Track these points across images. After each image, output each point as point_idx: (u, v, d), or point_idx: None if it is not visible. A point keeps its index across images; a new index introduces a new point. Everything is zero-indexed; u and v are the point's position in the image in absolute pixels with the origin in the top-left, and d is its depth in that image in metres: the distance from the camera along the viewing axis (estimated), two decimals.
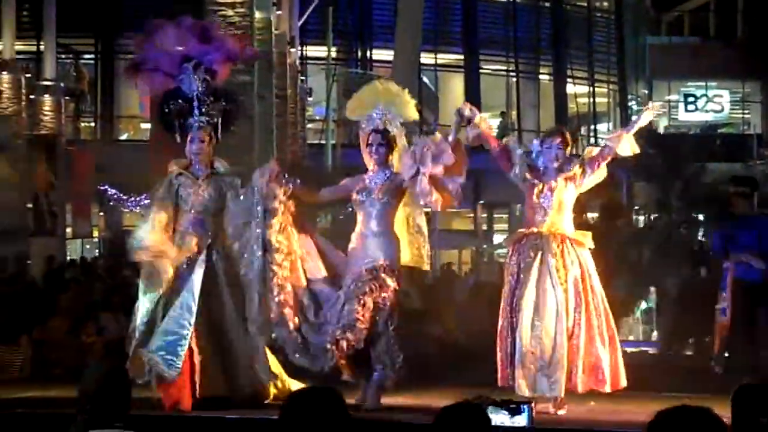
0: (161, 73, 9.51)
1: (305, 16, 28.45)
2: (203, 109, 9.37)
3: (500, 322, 9.01)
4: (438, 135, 9.29)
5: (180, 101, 9.37)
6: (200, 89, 9.38)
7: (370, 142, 9.19)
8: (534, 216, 9.20)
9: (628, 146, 9.20)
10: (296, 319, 8.94)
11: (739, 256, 10.99)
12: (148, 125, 26.26)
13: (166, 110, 9.45)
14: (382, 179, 9.14)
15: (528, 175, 9.23)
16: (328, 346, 8.80)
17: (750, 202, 11.21)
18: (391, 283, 8.97)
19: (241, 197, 9.17)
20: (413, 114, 9.32)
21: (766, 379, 8.43)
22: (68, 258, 23.18)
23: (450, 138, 9.15)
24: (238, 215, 9.14)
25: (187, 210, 9.35)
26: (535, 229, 9.13)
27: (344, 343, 8.81)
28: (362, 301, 8.85)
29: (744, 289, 10.92)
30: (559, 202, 9.17)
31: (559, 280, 8.90)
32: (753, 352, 10.90)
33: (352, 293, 8.89)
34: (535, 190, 9.19)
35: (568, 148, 9.34)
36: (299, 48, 29.07)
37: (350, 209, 9.41)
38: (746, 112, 41.05)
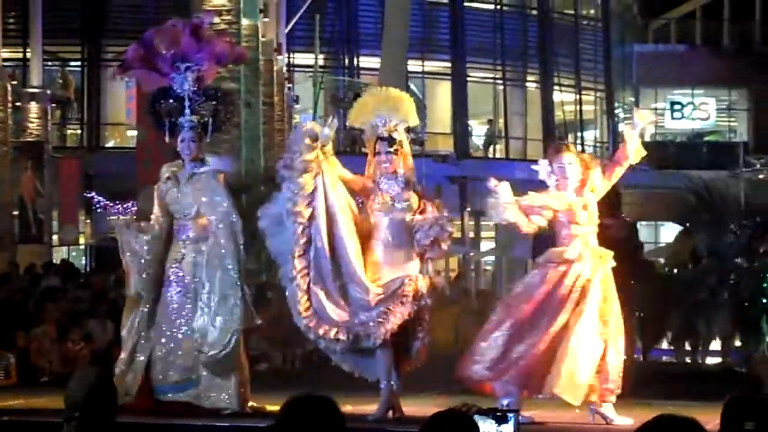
0: (153, 71, 9.51)
1: (292, 24, 28.48)
2: (194, 109, 9.37)
3: (508, 331, 8.99)
4: (438, 207, 9.14)
5: (171, 100, 9.37)
6: (191, 89, 9.38)
7: (377, 150, 9.04)
8: (572, 237, 9.10)
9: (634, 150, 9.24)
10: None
11: None
12: (134, 132, 26.23)
13: (157, 109, 9.43)
14: (400, 187, 9.01)
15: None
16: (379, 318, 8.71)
17: None
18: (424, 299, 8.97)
19: (269, 206, 9.07)
20: (416, 119, 9.25)
21: None
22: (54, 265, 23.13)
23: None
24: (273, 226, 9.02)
25: (176, 218, 9.39)
26: (573, 251, 9.05)
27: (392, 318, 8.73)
28: (402, 302, 8.80)
29: None
30: (590, 215, 9.19)
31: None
32: None
33: (392, 295, 8.82)
34: (577, 211, 9.14)
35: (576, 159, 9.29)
36: (286, 55, 29.07)
37: None
38: (732, 119, 41.17)
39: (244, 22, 22.44)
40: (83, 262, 26.71)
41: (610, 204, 15.66)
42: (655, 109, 40.82)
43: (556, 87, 35.73)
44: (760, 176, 34.67)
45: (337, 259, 8.83)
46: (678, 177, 36.91)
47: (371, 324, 8.73)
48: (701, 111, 40.64)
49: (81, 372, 4.97)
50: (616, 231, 15.15)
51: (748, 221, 16.45)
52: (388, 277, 8.87)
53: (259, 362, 15.47)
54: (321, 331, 8.79)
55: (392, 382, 8.89)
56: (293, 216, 8.78)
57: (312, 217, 8.78)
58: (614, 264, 9.15)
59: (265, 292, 16.13)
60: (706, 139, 41.03)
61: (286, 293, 8.88)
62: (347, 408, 8.83)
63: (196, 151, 9.36)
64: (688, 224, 18.26)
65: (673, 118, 40.61)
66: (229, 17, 21.68)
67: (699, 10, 41.44)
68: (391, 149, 8.99)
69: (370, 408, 8.93)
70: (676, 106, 40.58)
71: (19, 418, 8.98)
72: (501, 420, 4.51)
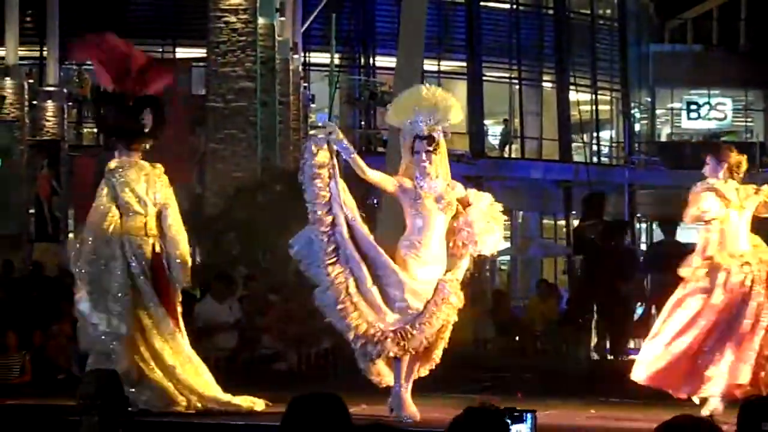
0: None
1: (308, 23, 28.50)
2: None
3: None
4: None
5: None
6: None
7: (416, 149, 8.94)
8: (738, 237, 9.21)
9: None
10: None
11: None
12: None
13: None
14: (442, 187, 8.98)
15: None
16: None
17: None
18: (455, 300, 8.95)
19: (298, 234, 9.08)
20: (458, 118, 9.19)
21: None
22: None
23: None
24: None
25: None
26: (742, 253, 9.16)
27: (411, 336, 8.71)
28: (442, 306, 8.78)
29: None
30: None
31: None
32: None
33: (434, 299, 8.80)
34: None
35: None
36: (302, 54, 29.09)
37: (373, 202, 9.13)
38: (749, 120, 41.06)
39: (261, 21, 22.46)
40: None
41: (589, 206, 15.97)
42: (671, 109, 40.76)
43: (572, 87, 35.66)
44: None
45: (370, 262, 8.75)
46: (694, 177, 36.84)
47: (414, 330, 8.69)
48: (718, 111, 40.53)
49: (93, 369, 4.99)
50: (589, 232, 15.41)
51: None
52: (425, 278, 8.81)
53: (274, 362, 15.50)
54: (362, 337, 8.68)
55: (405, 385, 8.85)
56: (316, 224, 8.72)
57: (334, 224, 8.73)
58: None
59: (266, 295, 16.20)
60: (723, 139, 40.90)
61: (322, 302, 8.77)
62: (362, 407, 8.86)
63: None
64: None
65: (689, 118, 40.51)
66: (245, 16, 21.71)
67: (716, 10, 41.34)
68: (431, 148, 8.90)
69: (383, 408, 8.91)
70: (693, 106, 40.48)
71: (35, 417, 9.01)
72: (517, 420, 4.50)
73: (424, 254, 8.83)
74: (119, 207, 9.32)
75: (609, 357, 15.18)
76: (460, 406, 4.23)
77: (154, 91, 9.60)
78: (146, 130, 9.43)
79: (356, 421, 4.13)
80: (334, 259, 8.71)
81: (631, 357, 12.58)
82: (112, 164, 9.45)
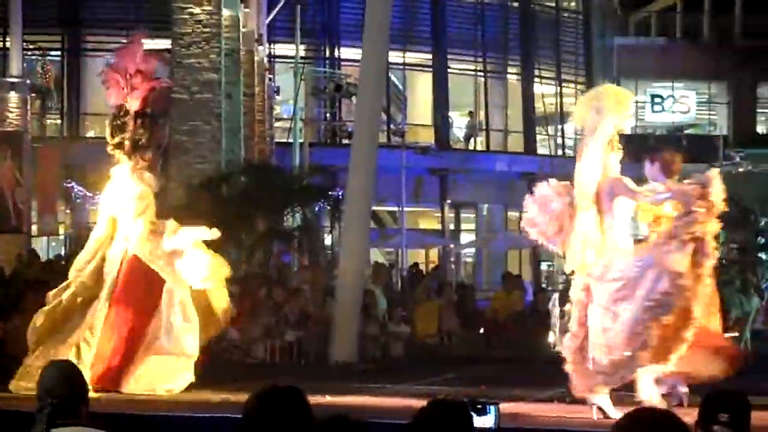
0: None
1: (273, 14, 28.41)
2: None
3: None
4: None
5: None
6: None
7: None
8: None
9: None
10: None
11: None
12: None
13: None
14: None
15: None
16: None
17: None
18: None
19: None
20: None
21: None
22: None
23: None
24: None
25: None
26: None
27: None
28: None
29: None
30: None
31: None
32: None
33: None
34: None
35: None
36: (267, 46, 29.01)
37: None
38: (712, 113, 41.25)
39: (225, 12, 22.37)
40: (63, 252, 26.62)
41: None
42: (636, 102, 40.92)
43: (537, 79, 35.75)
44: (740, 169, 34.76)
45: None
46: None
47: None
48: (681, 104, 40.71)
49: (54, 360, 4.97)
50: None
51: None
52: None
53: (240, 354, 15.47)
54: None
55: None
56: None
57: None
58: None
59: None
60: (686, 132, 41.12)
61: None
62: (325, 399, 8.85)
63: None
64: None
65: (653, 111, 40.67)
66: (210, 8, 21.61)
67: (679, 3, 41.50)
68: None
69: (347, 399, 8.91)
70: (657, 99, 40.63)
71: None
72: (481, 412, 4.50)
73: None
74: None
75: None
76: (425, 398, 4.22)
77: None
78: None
79: (319, 413, 4.11)
80: None
81: None
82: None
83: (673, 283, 8.76)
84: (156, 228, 10.67)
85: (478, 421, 4.33)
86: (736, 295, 17.46)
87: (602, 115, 9.23)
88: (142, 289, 10.62)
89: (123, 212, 10.65)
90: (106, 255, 10.71)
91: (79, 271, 10.77)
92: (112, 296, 10.59)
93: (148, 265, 10.58)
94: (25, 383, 9.91)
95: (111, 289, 10.60)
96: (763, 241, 18.02)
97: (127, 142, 10.70)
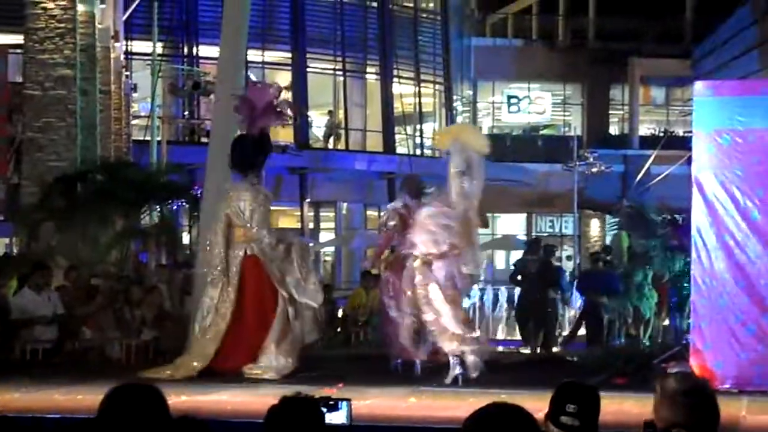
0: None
1: (130, 11, 28.06)
2: None
3: None
4: None
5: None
6: None
7: None
8: None
9: None
10: None
11: None
12: None
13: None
14: None
15: None
16: None
17: None
18: None
19: None
20: None
21: None
22: None
23: None
24: None
25: None
26: None
27: None
28: None
29: None
30: None
31: None
32: None
33: None
34: None
35: None
36: (124, 43, 28.65)
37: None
38: (567, 114, 42.02)
39: (80, 8, 22.03)
40: None
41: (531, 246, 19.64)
42: (492, 102, 41.48)
43: (396, 79, 35.97)
44: (593, 169, 35.46)
45: None
46: (514, 169, 37.68)
47: None
48: (537, 105, 41.39)
49: None
50: (531, 266, 18.95)
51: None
52: None
53: (95, 354, 15.28)
54: None
55: None
56: None
57: None
58: None
59: (89, 284, 16.02)
60: (542, 132, 41.82)
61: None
62: (181, 399, 8.80)
63: None
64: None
65: (509, 111, 41.27)
66: (64, 3, 21.25)
67: (535, 6, 42.18)
68: None
69: (212, 397, 8.87)
70: (513, 100, 41.24)
71: None
72: (332, 408, 4.53)
73: None
74: None
75: None
76: (278, 395, 4.24)
77: None
78: None
79: (175, 411, 4.10)
80: None
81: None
82: None
83: None
84: None
85: (330, 417, 4.36)
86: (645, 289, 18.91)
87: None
88: None
89: None
90: None
91: None
92: None
93: None
94: None
95: None
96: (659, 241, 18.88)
97: None
